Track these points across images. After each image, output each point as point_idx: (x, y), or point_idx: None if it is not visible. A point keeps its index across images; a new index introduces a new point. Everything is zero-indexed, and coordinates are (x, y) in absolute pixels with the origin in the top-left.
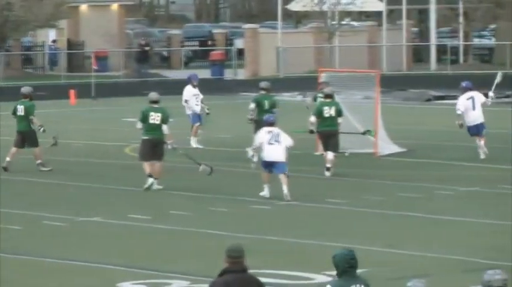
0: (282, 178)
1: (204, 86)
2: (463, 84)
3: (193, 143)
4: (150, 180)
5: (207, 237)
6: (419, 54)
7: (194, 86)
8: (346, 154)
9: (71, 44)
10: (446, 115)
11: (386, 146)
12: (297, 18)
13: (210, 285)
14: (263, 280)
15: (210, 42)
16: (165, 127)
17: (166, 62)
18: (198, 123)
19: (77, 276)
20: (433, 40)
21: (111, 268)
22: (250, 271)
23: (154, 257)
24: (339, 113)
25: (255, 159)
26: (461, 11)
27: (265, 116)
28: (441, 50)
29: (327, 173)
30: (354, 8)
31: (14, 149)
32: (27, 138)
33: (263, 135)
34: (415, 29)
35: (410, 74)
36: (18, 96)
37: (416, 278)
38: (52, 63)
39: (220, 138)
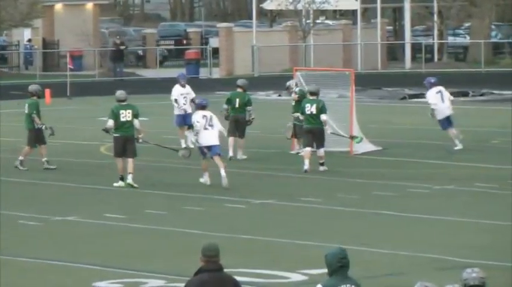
0: (218, 160)
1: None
2: (431, 80)
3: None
4: (121, 183)
5: (182, 236)
6: (394, 53)
7: (182, 86)
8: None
9: (46, 44)
10: (421, 114)
11: (361, 145)
12: (271, 17)
13: (186, 284)
14: (238, 278)
15: (185, 41)
16: (136, 121)
17: (141, 61)
18: (185, 126)
19: (52, 275)
20: (408, 39)
21: (86, 267)
22: (226, 270)
23: (130, 256)
24: (321, 110)
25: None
26: (435, 9)
27: (198, 100)
28: (416, 48)
29: (322, 168)
30: (328, 6)
31: (27, 148)
32: (29, 135)
33: (200, 119)
34: (390, 28)
35: (385, 73)
36: None
37: (423, 281)
38: (27, 62)
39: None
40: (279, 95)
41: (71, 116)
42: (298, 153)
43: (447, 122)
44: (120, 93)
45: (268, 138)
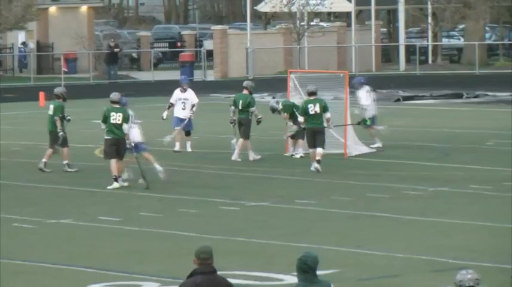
0: (147, 156)
1: (174, 88)
2: (361, 80)
3: (188, 147)
4: (115, 184)
5: (176, 238)
6: (388, 55)
7: (183, 90)
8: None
9: (40, 46)
10: (415, 115)
11: (355, 147)
12: (266, 20)
13: (180, 286)
14: (232, 281)
15: (179, 44)
16: (125, 126)
17: (135, 63)
18: (178, 127)
19: (46, 278)
20: (402, 40)
21: (81, 270)
22: (220, 272)
23: (124, 259)
24: (324, 109)
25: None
26: (429, 11)
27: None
28: (410, 50)
29: (317, 165)
30: (322, 8)
31: (49, 151)
32: (56, 138)
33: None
34: (384, 30)
35: (380, 75)
36: None
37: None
38: (21, 65)
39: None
40: (273, 97)
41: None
42: (292, 155)
43: (374, 120)
44: (113, 94)
45: (262, 140)
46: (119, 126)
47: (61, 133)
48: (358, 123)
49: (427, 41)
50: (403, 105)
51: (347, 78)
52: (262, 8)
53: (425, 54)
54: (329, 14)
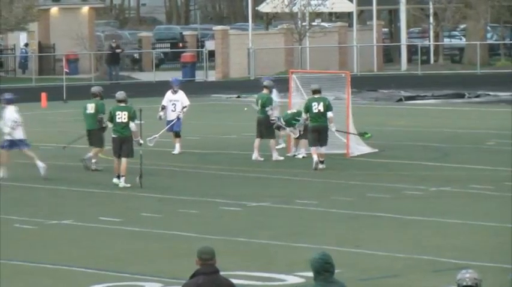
0: (28, 153)
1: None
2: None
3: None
4: (116, 180)
5: (177, 239)
6: (389, 55)
7: (173, 92)
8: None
9: (41, 47)
10: (417, 115)
11: (357, 147)
12: (267, 20)
13: None
14: (235, 281)
15: (181, 44)
16: (132, 124)
17: (137, 64)
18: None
19: (47, 279)
20: (404, 40)
21: (81, 271)
22: (222, 273)
23: (125, 259)
24: (328, 107)
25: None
26: (431, 11)
27: (8, 96)
28: (412, 50)
29: (321, 166)
30: (324, 9)
31: (96, 149)
32: (92, 136)
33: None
34: (386, 30)
35: (381, 75)
36: None
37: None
38: (23, 66)
39: (189, 140)
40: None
41: (66, 120)
42: (294, 155)
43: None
44: (119, 93)
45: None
46: (124, 125)
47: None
48: (360, 135)
49: (429, 41)
50: (405, 106)
51: (349, 79)
52: (263, 8)
53: (426, 54)
54: (330, 14)
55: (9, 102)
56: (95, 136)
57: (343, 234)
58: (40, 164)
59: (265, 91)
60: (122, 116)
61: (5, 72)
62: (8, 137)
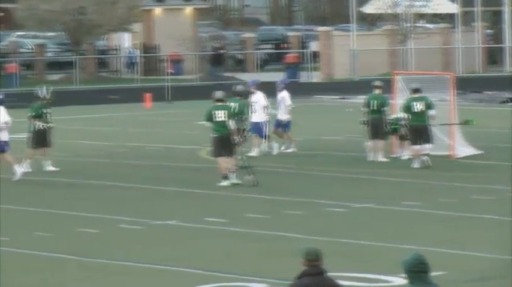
0: (8, 157)
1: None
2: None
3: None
4: (225, 182)
5: (282, 239)
6: (493, 57)
7: (251, 93)
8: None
9: (145, 48)
10: None
11: (462, 149)
12: (370, 21)
13: None
14: (341, 282)
15: (284, 45)
16: (230, 122)
17: (240, 65)
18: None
19: (153, 279)
20: (508, 42)
21: (187, 271)
22: (329, 274)
23: (231, 260)
24: (429, 106)
25: None
26: None
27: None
28: None
29: (426, 158)
30: (427, 10)
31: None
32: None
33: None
34: (490, 31)
35: (485, 76)
36: (93, 99)
37: None
38: (129, 66)
39: (294, 141)
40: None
41: (170, 120)
42: (399, 157)
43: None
44: (217, 92)
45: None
46: (224, 124)
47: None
48: (465, 123)
49: None
50: (509, 107)
51: (453, 80)
52: (367, 9)
53: None
54: (434, 15)
55: (1, 103)
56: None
57: (447, 235)
58: (17, 170)
59: (377, 91)
60: (221, 115)
61: (109, 73)
62: None
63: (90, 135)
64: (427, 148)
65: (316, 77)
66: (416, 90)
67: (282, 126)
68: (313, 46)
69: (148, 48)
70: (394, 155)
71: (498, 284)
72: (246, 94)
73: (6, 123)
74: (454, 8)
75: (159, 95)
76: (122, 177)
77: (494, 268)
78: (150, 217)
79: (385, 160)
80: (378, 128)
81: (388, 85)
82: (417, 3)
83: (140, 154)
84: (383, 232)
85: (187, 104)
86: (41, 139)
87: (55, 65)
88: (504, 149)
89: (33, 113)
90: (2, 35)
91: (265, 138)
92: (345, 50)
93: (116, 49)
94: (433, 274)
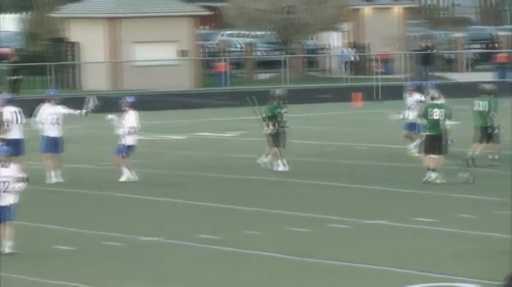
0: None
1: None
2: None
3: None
4: (430, 174)
5: (490, 240)
6: None
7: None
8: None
9: (355, 47)
10: None
11: None
12: None
13: None
14: None
15: (495, 45)
16: (447, 122)
17: (450, 64)
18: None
19: (360, 278)
20: None
21: (396, 271)
22: None
23: (440, 260)
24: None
25: None
26: None
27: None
28: None
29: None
30: None
31: (476, 145)
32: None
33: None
34: None
35: None
36: (301, 98)
37: None
38: (341, 66)
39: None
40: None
41: (379, 120)
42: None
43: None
44: (431, 91)
45: None
46: (436, 123)
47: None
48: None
49: None
50: None
51: None
52: None
53: None
54: None
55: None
56: (481, 132)
57: None
58: (125, 172)
59: None
60: (436, 114)
61: (318, 72)
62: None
63: (300, 135)
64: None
65: None
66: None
67: (410, 128)
68: None
69: (357, 48)
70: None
71: None
72: (494, 92)
73: (132, 127)
74: None
75: (368, 94)
76: (331, 176)
77: None
78: (358, 216)
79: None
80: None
81: None
82: None
83: (349, 153)
84: None
85: (396, 104)
86: (276, 139)
87: (264, 64)
88: None
89: (269, 114)
90: (211, 34)
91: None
92: None
93: (325, 48)
94: None
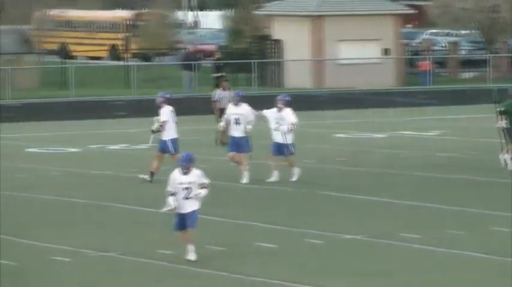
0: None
1: None
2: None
3: None
4: None
5: None
6: None
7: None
8: None
9: None
10: None
11: None
12: None
13: None
14: None
15: None
16: None
17: None
18: None
19: None
20: None
21: None
22: None
23: None
24: None
25: None
26: None
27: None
28: None
29: None
30: None
31: None
32: None
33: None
34: None
35: None
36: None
37: None
38: None
39: None
40: None
41: None
42: None
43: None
44: None
45: None
46: None
47: None
48: None
49: None
50: None
51: None
52: None
53: None
54: None
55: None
56: None
57: None
58: (296, 172)
59: None
60: None
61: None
62: None
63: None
64: None
65: None
66: None
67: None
68: None
69: None
70: None
71: None
72: None
73: (293, 124)
74: None
75: None
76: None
77: None
78: None
79: None
80: None
81: None
82: None
83: None
84: None
85: None
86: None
87: (468, 64)
88: None
89: (502, 109)
90: (415, 33)
91: None
92: None
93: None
94: None
